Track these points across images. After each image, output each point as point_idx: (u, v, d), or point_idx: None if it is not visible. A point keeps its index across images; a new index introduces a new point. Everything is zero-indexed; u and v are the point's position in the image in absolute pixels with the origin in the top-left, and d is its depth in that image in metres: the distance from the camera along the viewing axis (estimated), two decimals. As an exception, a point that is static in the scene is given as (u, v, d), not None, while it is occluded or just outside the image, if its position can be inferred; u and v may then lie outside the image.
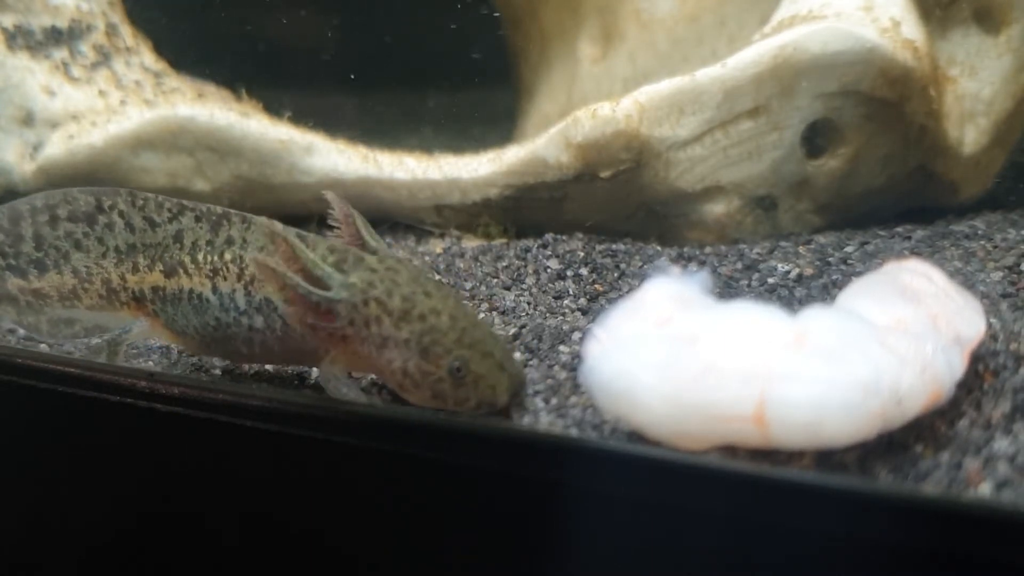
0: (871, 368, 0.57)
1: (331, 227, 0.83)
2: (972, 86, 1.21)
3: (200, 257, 0.84)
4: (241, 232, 0.84)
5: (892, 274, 0.74)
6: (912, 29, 1.12)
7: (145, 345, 1.00)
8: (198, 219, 0.86)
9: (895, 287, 0.71)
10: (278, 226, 0.77)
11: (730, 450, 0.60)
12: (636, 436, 0.61)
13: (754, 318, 0.61)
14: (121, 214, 0.90)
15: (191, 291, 0.84)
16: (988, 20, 1.21)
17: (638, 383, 0.60)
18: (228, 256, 0.83)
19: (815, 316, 0.62)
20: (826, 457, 0.60)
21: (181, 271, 0.85)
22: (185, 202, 0.87)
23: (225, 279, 0.82)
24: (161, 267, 0.87)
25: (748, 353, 0.59)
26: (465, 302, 0.98)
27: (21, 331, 1.05)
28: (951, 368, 0.63)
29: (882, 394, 0.57)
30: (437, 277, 1.11)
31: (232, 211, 0.85)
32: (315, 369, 0.84)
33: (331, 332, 0.75)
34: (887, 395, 0.57)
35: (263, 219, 0.81)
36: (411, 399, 0.75)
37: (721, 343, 0.59)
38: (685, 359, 0.59)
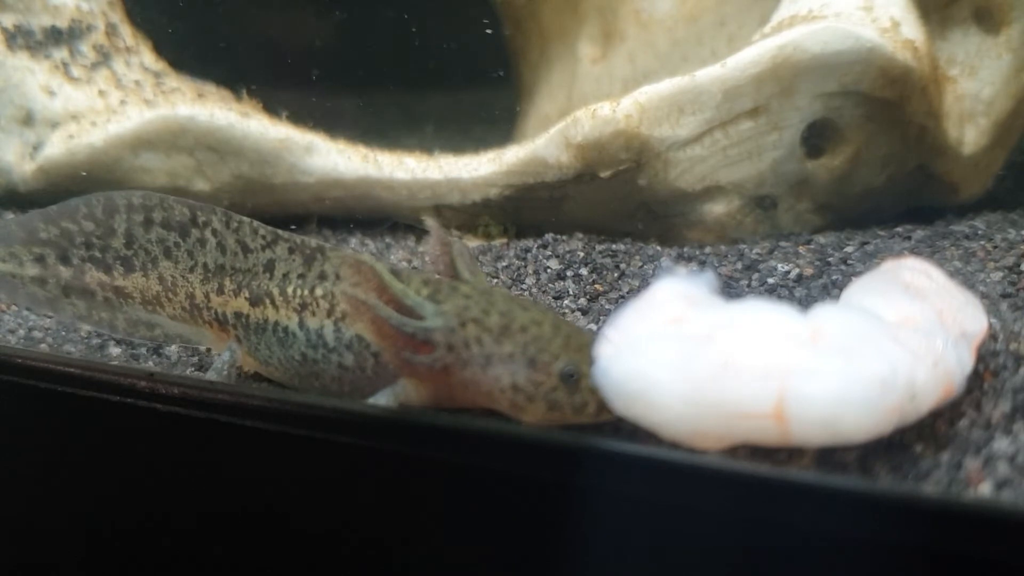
0: (887, 364, 0.57)
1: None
2: (972, 86, 1.21)
3: (290, 290, 0.82)
4: (335, 267, 0.81)
5: (892, 272, 0.74)
6: (912, 29, 1.12)
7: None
8: (291, 251, 0.84)
9: (898, 284, 0.71)
10: (365, 257, 0.73)
11: (747, 448, 0.60)
12: (651, 436, 0.61)
13: (767, 315, 0.61)
14: (214, 232, 0.88)
15: (276, 323, 0.82)
16: (988, 20, 1.21)
17: (654, 383, 0.59)
18: (319, 291, 0.80)
19: (828, 313, 0.61)
20: (826, 457, 0.60)
21: (268, 301, 0.83)
22: (280, 232, 0.85)
23: (314, 314, 0.80)
24: (247, 294, 0.85)
25: (764, 350, 0.58)
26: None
27: (21, 332, 1.05)
28: (961, 363, 0.63)
29: (898, 389, 0.57)
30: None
31: (327, 245, 0.83)
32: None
33: (430, 365, 0.71)
34: (903, 390, 0.57)
35: (349, 251, 0.78)
36: (527, 418, 0.70)
37: (736, 341, 0.59)
38: (701, 358, 0.58)
